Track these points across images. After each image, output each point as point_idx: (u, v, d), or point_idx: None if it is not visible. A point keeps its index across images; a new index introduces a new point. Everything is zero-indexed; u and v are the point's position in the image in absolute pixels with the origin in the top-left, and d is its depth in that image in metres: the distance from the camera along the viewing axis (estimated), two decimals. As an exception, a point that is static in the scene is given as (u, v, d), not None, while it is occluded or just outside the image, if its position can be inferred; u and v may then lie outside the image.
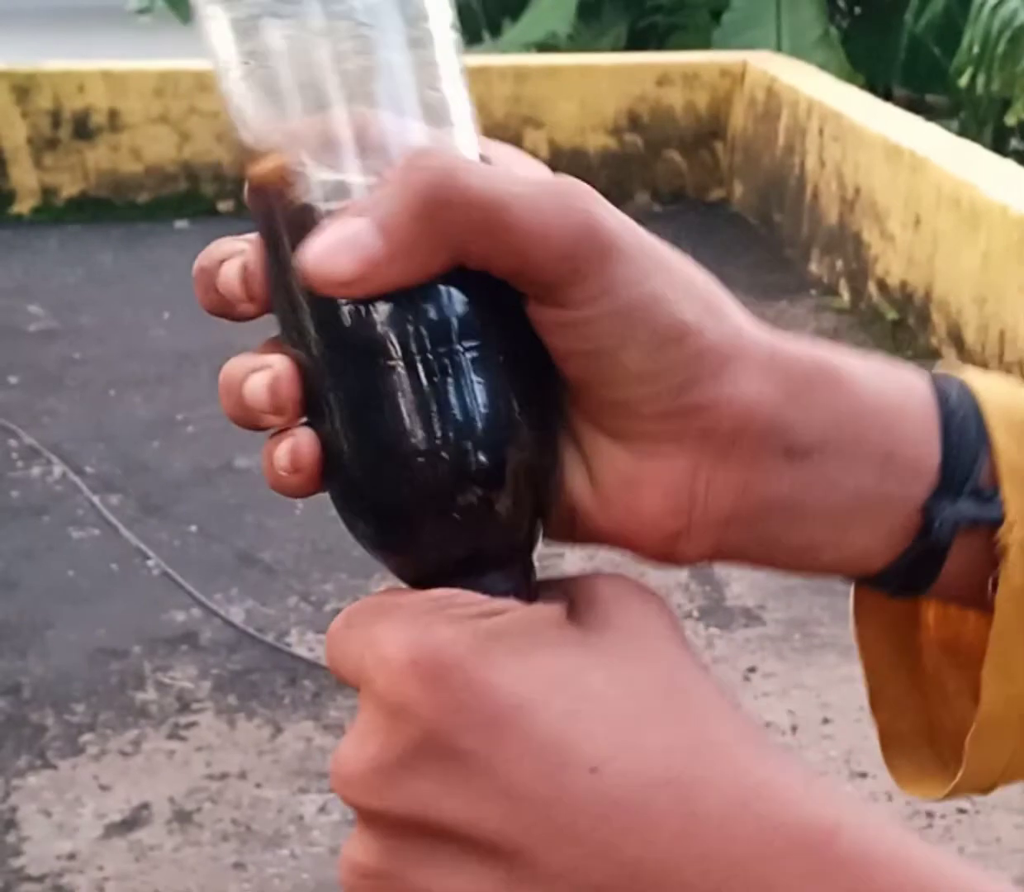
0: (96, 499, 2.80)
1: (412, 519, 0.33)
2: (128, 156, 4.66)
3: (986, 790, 0.41)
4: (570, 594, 0.33)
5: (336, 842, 1.88)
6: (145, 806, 1.97)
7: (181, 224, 4.55)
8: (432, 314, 0.32)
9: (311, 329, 0.33)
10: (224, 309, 0.34)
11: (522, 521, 0.34)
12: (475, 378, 0.32)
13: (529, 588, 0.34)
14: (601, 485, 0.35)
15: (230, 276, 0.33)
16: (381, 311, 0.32)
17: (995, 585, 0.37)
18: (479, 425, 0.32)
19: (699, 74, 4.83)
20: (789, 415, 0.34)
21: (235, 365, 0.34)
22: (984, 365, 3.03)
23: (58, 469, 2.94)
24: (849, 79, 4.76)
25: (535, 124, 4.77)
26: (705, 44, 5.48)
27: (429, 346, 0.32)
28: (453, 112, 0.33)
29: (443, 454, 0.32)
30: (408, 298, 0.32)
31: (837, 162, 3.98)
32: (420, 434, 0.32)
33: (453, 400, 0.32)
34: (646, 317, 0.33)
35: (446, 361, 0.32)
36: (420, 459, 0.32)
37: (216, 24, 0.32)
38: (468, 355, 0.32)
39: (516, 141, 4.67)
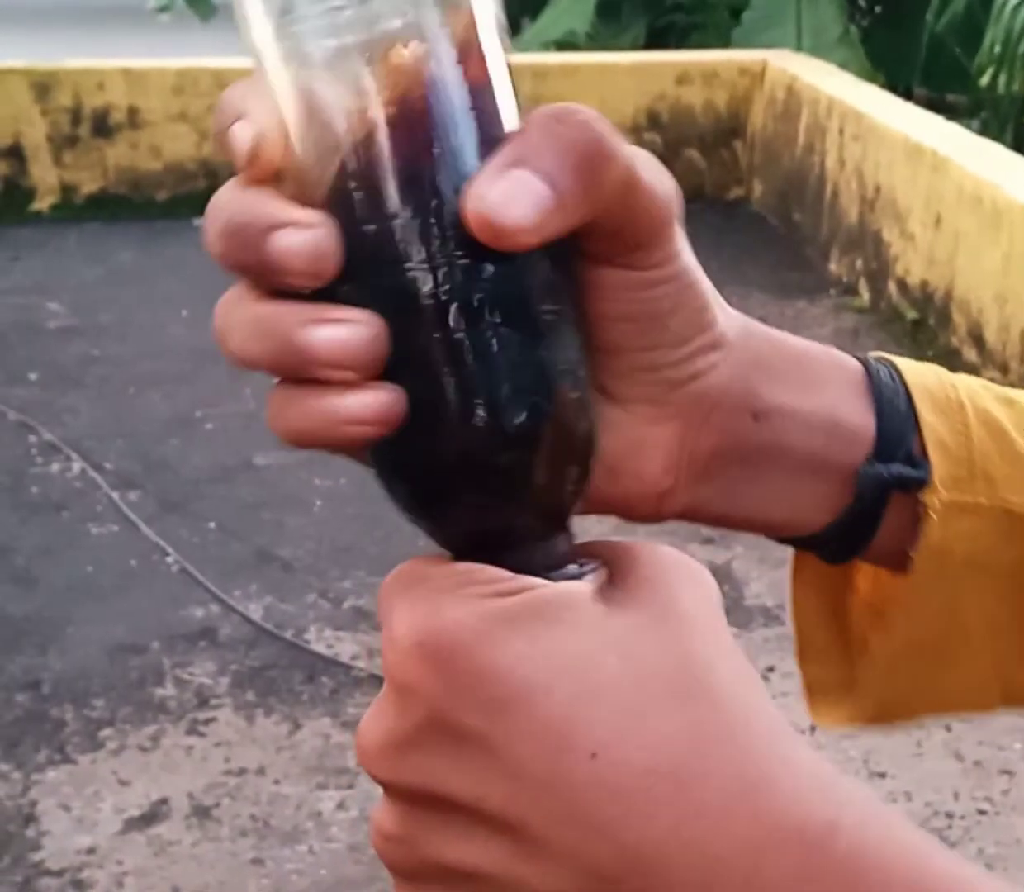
0: (115, 496, 2.81)
1: (452, 484, 0.33)
2: (147, 154, 4.68)
3: (885, 721, 0.44)
4: (610, 562, 0.33)
5: (354, 838, 1.88)
6: (164, 801, 1.97)
7: (200, 222, 4.50)
8: (506, 278, 0.32)
9: (377, 291, 0.32)
10: (254, 273, 0.32)
11: (562, 491, 0.34)
12: (537, 343, 0.33)
13: (565, 559, 0.34)
14: (606, 454, 0.37)
15: (295, 246, 0.31)
16: (457, 274, 0.32)
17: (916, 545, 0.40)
18: (534, 391, 0.32)
19: (719, 73, 4.82)
20: (755, 382, 0.38)
21: (286, 312, 0.32)
22: (1005, 365, 3.02)
23: (77, 466, 2.95)
24: (869, 78, 4.74)
25: (554, 123, 4.76)
26: (725, 43, 5.46)
27: (496, 310, 0.32)
28: (502, 105, 0.33)
29: (493, 419, 0.32)
30: (485, 262, 0.32)
31: (857, 161, 3.97)
32: (476, 397, 0.32)
33: (511, 364, 0.32)
34: (691, 285, 0.35)
35: (511, 325, 0.32)
36: (471, 423, 0.32)
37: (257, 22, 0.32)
38: (543, 319, 0.33)
39: (535, 140, 4.66)
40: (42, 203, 4.65)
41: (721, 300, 0.37)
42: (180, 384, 3.34)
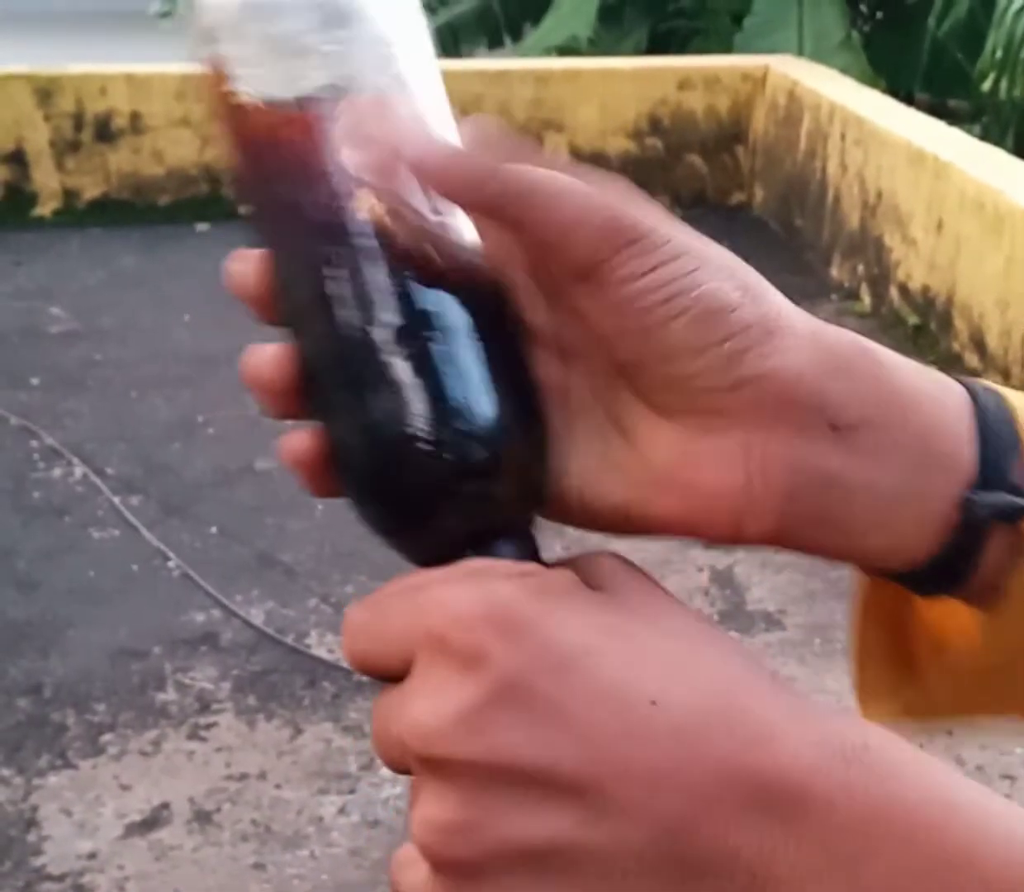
0: (117, 500, 2.81)
1: (416, 503, 0.35)
2: (150, 159, 4.68)
3: (933, 721, 0.45)
4: (570, 570, 0.35)
5: (355, 843, 1.88)
6: (165, 806, 1.97)
7: (202, 227, 4.56)
8: (430, 305, 0.34)
9: (314, 320, 0.35)
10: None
11: (520, 495, 0.36)
12: (468, 364, 0.34)
13: (537, 557, 0.36)
14: (656, 469, 0.37)
15: (245, 278, 0.37)
16: (381, 297, 0.34)
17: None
18: (473, 408, 0.34)
19: (720, 78, 4.82)
20: (831, 390, 0.36)
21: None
22: (1006, 370, 3.02)
23: (79, 470, 2.95)
24: (871, 83, 4.75)
25: (556, 128, 4.77)
26: (726, 48, 5.47)
27: (427, 334, 0.34)
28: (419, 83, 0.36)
29: (441, 437, 0.34)
30: (409, 288, 0.34)
31: (859, 166, 3.97)
32: (419, 418, 0.34)
33: (449, 385, 0.34)
34: (684, 293, 0.35)
35: (441, 348, 0.34)
36: (419, 443, 0.34)
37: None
38: (462, 343, 0.34)
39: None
40: (45, 208, 4.66)
41: (777, 303, 0.36)
42: (182, 388, 3.35)
